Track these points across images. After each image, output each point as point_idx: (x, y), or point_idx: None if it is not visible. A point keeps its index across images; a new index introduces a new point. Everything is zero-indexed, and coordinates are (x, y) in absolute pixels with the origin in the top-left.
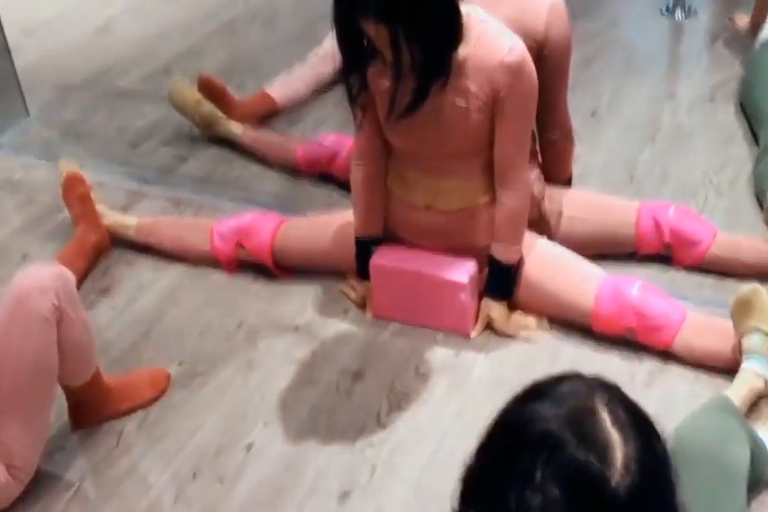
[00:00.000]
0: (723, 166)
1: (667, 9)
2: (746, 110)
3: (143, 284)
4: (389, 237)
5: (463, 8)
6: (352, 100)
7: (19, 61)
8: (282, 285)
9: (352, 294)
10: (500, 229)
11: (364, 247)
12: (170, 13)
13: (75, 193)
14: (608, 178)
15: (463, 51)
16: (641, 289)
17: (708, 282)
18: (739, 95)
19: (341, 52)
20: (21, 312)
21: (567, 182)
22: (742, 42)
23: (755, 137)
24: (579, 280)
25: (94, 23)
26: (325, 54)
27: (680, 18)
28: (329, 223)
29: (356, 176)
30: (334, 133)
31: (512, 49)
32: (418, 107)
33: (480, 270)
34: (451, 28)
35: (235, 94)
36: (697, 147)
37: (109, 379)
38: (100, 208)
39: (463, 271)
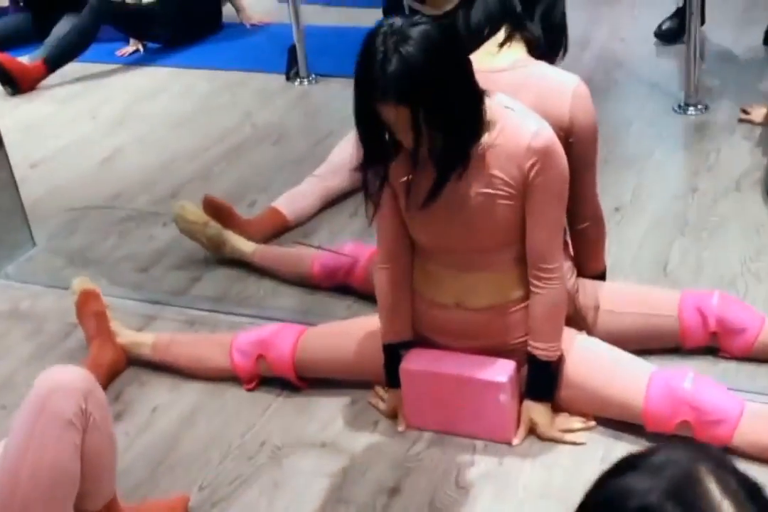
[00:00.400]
0: (759, 253)
1: (680, 107)
2: None
3: (159, 406)
4: (417, 340)
5: (487, 99)
6: (370, 195)
7: (25, 191)
8: (306, 397)
9: (381, 405)
10: (538, 325)
11: (393, 353)
12: (176, 141)
13: (90, 310)
14: (641, 272)
15: (488, 138)
16: (694, 382)
17: (762, 371)
18: (766, 183)
19: (362, 143)
20: (43, 415)
21: (601, 276)
22: (760, 132)
23: None
24: (626, 377)
25: (101, 154)
26: (334, 168)
27: (694, 114)
28: (352, 331)
29: (381, 279)
30: (351, 242)
31: (538, 132)
32: (438, 196)
33: (518, 370)
34: (474, 116)
35: (248, 213)
36: (728, 237)
37: (126, 507)
38: (114, 326)
39: (501, 371)
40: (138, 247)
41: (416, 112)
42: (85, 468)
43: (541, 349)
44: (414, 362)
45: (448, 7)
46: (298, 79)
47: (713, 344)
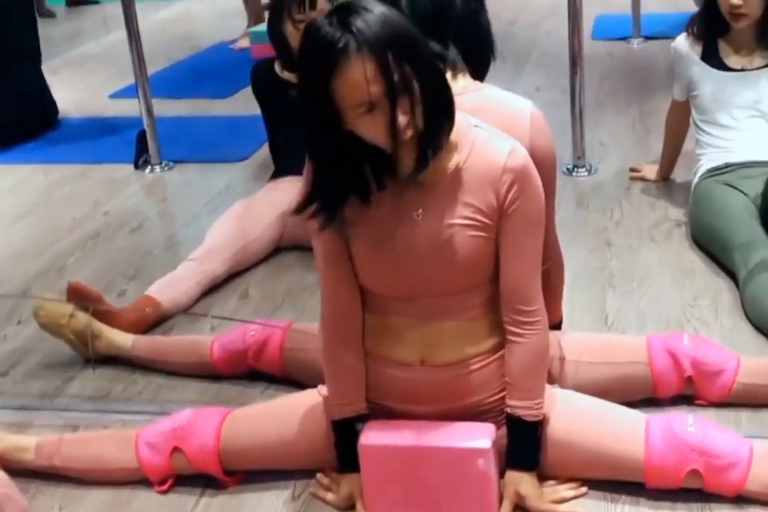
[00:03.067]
0: (696, 298)
1: (568, 170)
2: (705, 243)
3: None
4: (372, 410)
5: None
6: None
7: None
8: (235, 496)
9: (330, 497)
10: (518, 380)
11: (348, 429)
12: (19, 236)
13: None
14: (583, 327)
15: (457, 159)
16: (697, 424)
17: (744, 416)
18: (692, 231)
19: (318, 169)
20: None
21: (558, 325)
22: (656, 187)
23: (722, 268)
24: (619, 428)
25: None
26: (211, 251)
27: (584, 176)
28: (289, 408)
29: (331, 346)
30: (257, 320)
31: (513, 151)
32: (424, 168)
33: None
34: (447, 93)
35: (118, 302)
36: (660, 285)
37: None
38: None
39: (480, 435)
40: None
41: (385, 57)
42: None
43: (523, 408)
44: (375, 437)
45: None
46: (149, 167)
47: (687, 392)
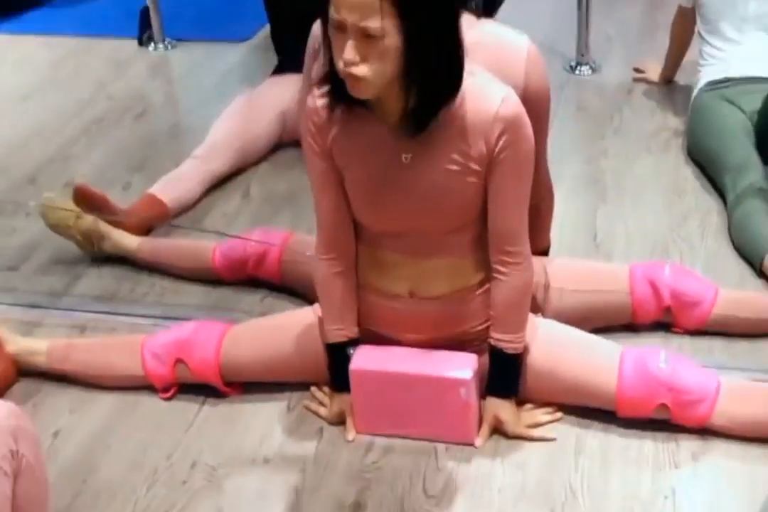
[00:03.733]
0: (685, 217)
1: (572, 67)
2: (698, 159)
3: (61, 429)
4: (364, 335)
5: None
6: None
7: None
8: (234, 406)
9: (322, 411)
10: (502, 314)
11: (339, 353)
12: (25, 118)
13: None
14: (572, 245)
15: (449, 107)
16: (669, 361)
17: (717, 345)
18: (688, 145)
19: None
20: None
21: (545, 252)
22: (658, 90)
23: (714, 186)
24: (595, 360)
25: None
26: (214, 148)
27: (587, 74)
28: (285, 326)
29: (324, 272)
30: (257, 229)
31: (506, 99)
32: (432, 118)
33: (478, 363)
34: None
35: (123, 197)
36: (651, 201)
37: None
38: (2, 332)
39: (462, 366)
40: (0, 242)
41: (399, 10)
42: None
43: (506, 341)
44: (365, 362)
45: None
46: (153, 44)
47: (665, 319)
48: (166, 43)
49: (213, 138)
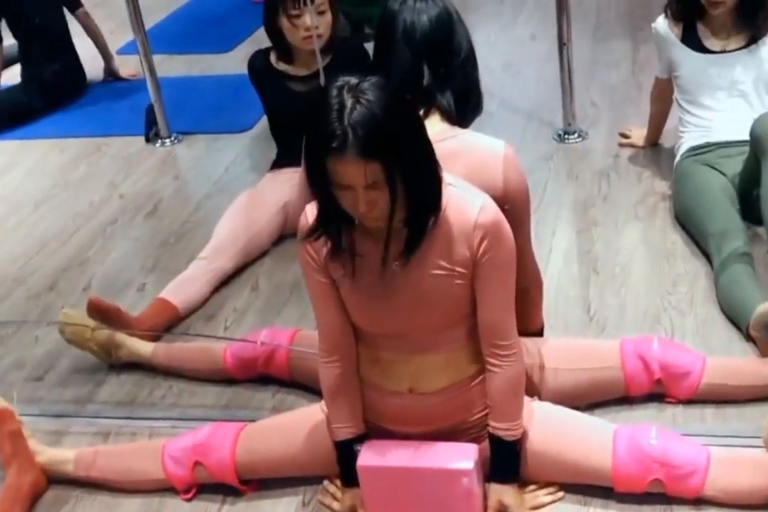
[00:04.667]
0: (675, 284)
1: (560, 136)
2: (685, 223)
3: None
4: (369, 428)
5: None
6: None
7: None
8: (252, 502)
9: (335, 506)
10: (498, 405)
11: (348, 449)
12: (41, 224)
13: (4, 431)
14: (567, 319)
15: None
16: (659, 437)
17: (709, 413)
18: (674, 210)
19: (318, 203)
20: None
21: (539, 332)
22: (643, 154)
23: (701, 250)
24: (590, 440)
25: None
26: (219, 248)
27: (576, 142)
28: (297, 425)
29: (328, 375)
30: (264, 329)
31: (483, 208)
32: (416, 247)
33: (479, 450)
34: (437, 174)
35: (138, 298)
36: (641, 269)
37: None
38: (32, 444)
39: (463, 456)
40: (24, 352)
41: (389, 165)
42: None
43: (503, 430)
44: (371, 458)
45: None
46: (159, 141)
47: (658, 390)
48: (172, 138)
49: (217, 238)
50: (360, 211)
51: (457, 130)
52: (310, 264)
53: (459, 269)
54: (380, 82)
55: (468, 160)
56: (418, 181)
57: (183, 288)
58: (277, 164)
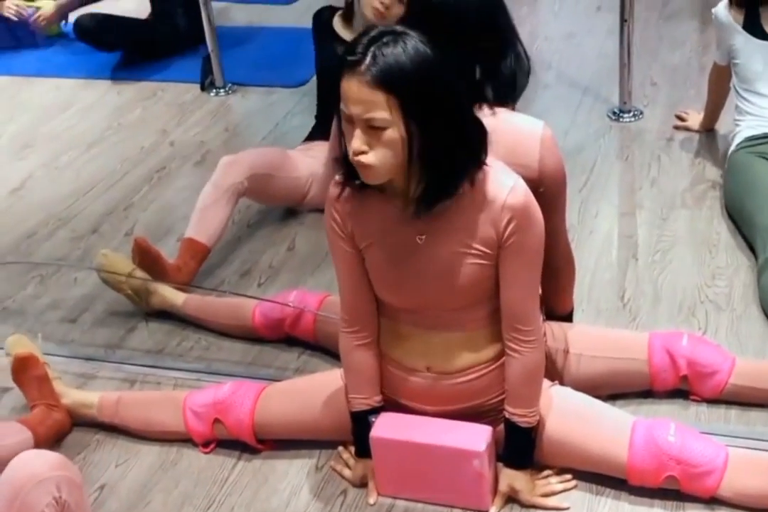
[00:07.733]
0: (714, 277)
1: (615, 113)
2: (733, 215)
3: (107, 483)
4: (387, 402)
5: None
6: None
7: None
8: (267, 461)
9: (347, 473)
10: (516, 390)
11: (362, 421)
12: (90, 166)
13: (30, 376)
14: (600, 304)
15: (461, 193)
16: (677, 433)
17: (733, 414)
18: (725, 202)
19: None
20: (14, 507)
21: (568, 317)
22: (697, 140)
23: (747, 242)
24: (608, 430)
25: (9, 184)
26: (232, 163)
27: (630, 121)
28: (316, 390)
29: (348, 345)
30: (295, 290)
31: (514, 189)
32: (426, 211)
33: (493, 433)
34: (460, 132)
35: (178, 249)
36: (681, 259)
37: None
38: (58, 386)
39: (477, 438)
40: (62, 293)
41: (395, 103)
42: None
43: (519, 416)
44: (384, 430)
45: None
46: (214, 90)
47: (683, 387)
48: (227, 88)
49: (216, 178)
50: (353, 147)
51: (499, 109)
52: (335, 231)
53: (483, 249)
54: (426, 40)
55: (504, 139)
56: (435, 145)
57: (206, 222)
58: (311, 136)
